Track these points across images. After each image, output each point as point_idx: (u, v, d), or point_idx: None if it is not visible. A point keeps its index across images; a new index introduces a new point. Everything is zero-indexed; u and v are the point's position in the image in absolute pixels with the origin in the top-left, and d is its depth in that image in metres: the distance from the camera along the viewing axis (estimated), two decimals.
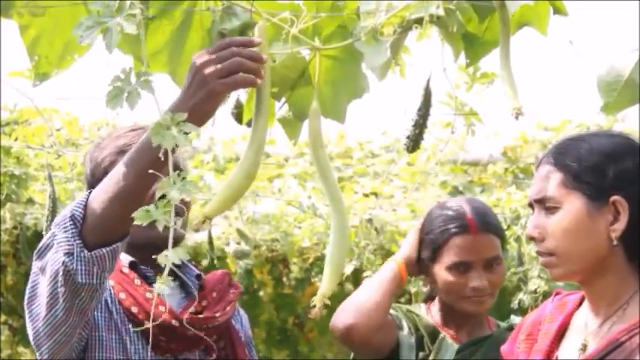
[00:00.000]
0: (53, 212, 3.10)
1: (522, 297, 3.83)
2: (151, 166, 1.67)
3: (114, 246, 1.94)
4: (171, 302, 2.32)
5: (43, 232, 3.15)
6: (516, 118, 1.72)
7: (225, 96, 1.82)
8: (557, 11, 1.88)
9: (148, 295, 2.27)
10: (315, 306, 1.79)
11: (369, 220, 4.55)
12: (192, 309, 2.31)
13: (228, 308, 2.38)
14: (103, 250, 1.93)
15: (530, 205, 1.96)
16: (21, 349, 5.72)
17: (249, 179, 1.78)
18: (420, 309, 2.72)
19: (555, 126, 5.15)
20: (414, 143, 2.33)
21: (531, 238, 1.93)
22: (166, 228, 1.88)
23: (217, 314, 2.34)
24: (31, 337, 2.15)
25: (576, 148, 1.91)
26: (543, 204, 1.91)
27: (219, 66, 1.74)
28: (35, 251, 2.06)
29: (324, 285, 1.80)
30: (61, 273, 1.96)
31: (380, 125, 5.59)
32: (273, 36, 1.81)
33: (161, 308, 2.26)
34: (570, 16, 1.89)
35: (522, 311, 3.68)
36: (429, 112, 2.38)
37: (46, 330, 2.08)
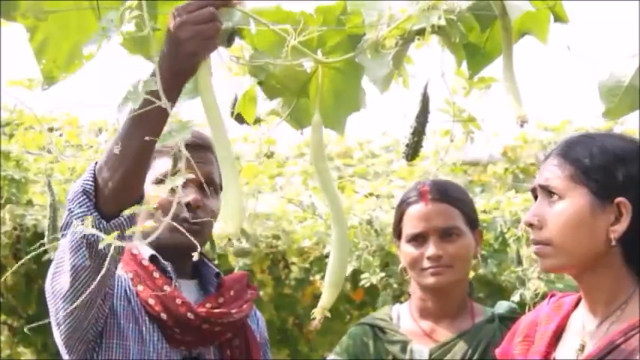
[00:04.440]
0: (54, 221, 3.10)
1: (524, 292, 3.84)
2: (150, 133, 1.68)
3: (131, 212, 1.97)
4: (189, 299, 2.35)
5: (45, 240, 3.16)
6: (521, 126, 1.71)
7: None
8: (558, 18, 1.88)
9: (166, 288, 2.30)
10: (314, 318, 1.79)
11: (369, 222, 4.54)
12: (208, 305, 2.34)
13: (245, 307, 2.40)
14: (121, 217, 1.96)
15: (533, 192, 1.95)
16: (21, 349, 5.72)
17: (239, 189, 1.76)
18: (400, 309, 2.70)
19: (555, 126, 5.15)
20: (413, 151, 2.34)
21: (529, 225, 1.92)
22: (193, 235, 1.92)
23: (233, 311, 2.37)
24: (52, 316, 2.19)
25: (589, 145, 1.91)
26: (548, 192, 1.90)
27: (199, 28, 1.72)
28: (60, 229, 2.10)
29: (324, 297, 1.80)
30: (84, 247, 1.99)
31: (380, 126, 5.59)
32: (275, 45, 1.81)
33: (177, 301, 2.29)
34: (571, 21, 1.89)
35: (522, 306, 3.68)
36: (427, 119, 2.38)
37: (67, 306, 2.11)
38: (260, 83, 1.90)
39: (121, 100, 1.60)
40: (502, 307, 2.65)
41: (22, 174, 4.12)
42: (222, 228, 1.64)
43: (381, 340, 2.61)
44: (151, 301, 2.31)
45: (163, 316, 2.30)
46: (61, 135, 4.21)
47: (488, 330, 2.57)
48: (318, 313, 1.79)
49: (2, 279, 4.96)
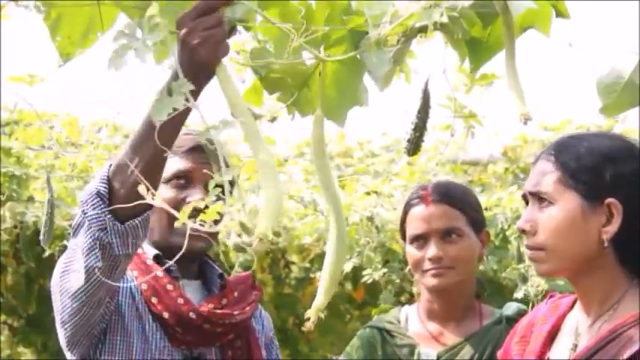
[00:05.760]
0: (51, 218, 3.10)
1: (528, 288, 3.83)
2: (166, 137, 1.68)
3: (145, 214, 1.99)
4: (192, 299, 2.37)
5: (41, 237, 3.16)
6: (525, 123, 1.71)
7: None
8: (560, 14, 1.88)
9: (169, 287, 2.31)
10: (309, 319, 1.78)
11: (370, 218, 4.54)
12: (211, 305, 2.35)
13: (248, 309, 2.41)
14: (136, 220, 1.98)
15: (524, 198, 1.95)
16: (21, 349, 5.72)
17: (280, 188, 1.73)
18: (409, 311, 2.71)
19: (555, 126, 5.16)
20: (414, 147, 2.34)
21: (522, 231, 1.93)
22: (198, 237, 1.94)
23: (235, 312, 2.38)
24: (58, 314, 2.21)
25: (576, 147, 1.91)
26: (537, 198, 1.90)
27: (208, 34, 1.71)
28: (71, 229, 2.12)
29: (319, 298, 1.78)
30: (97, 248, 2.00)
31: (380, 125, 5.59)
32: (280, 36, 1.80)
33: (180, 301, 2.30)
34: (572, 18, 1.89)
35: (527, 303, 3.69)
36: (428, 115, 2.39)
37: (75, 305, 2.14)
38: (260, 77, 1.90)
39: (152, 109, 1.59)
40: (510, 308, 2.65)
41: (23, 170, 4.13)
42: (258, 227, 1.64)
43: (389, 344, 2.62)
44: (154, 300, 2.32)
45: (165, 315, 2.31)
46: (61, 131, 4.22)
47: (496, 332, 2.58)
48: (312, 314, 1.78)
49: (2, 279, 4.97)
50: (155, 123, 1.63)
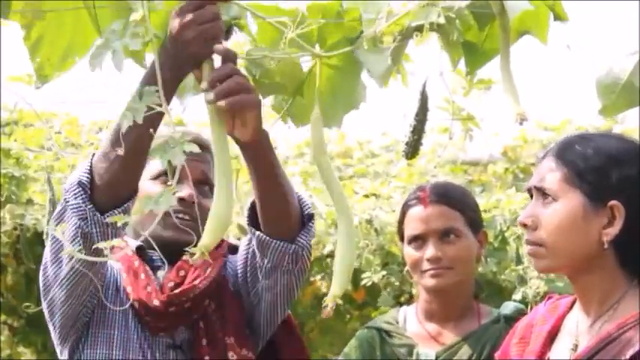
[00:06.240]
0: None
1: (526, 290, 3.83)
2: (146, 128, 1.68)
3: (124, 206, 2.01)
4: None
5: (44, 237, 3.17)
6: (520, 124, 1.72)
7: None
8: (558, 17, 1.88)
9: (142, 276, 2.31)
10: (327, 306, 1.79)
11: (369, 221, 4.54)
12: (170, 284, 2.33)
13: (210, 270, 2.36)
14: (115, 211, 1.99)
15: (529, 192, 1.95)
16: (21, 349, 5.72)
17: (231, 204, 1.75)
18: (407, 312, 2.71)
19: (555, 126, 5.17)
20: (412, 150, 2.35)
21: (523, 225, 1.92)
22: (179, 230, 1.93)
23: (197, 281, 2.34)
24: (46, 307, 2.24)
25: (584, 147, 1.90)
26: (542, 193, 1.90)
27: (204, 28, 1.71)
28: (53, 218, 2.13)
29: (335, 285, 1.79)
30: (79, 237, 2.03)
31: (380, 125, 5.60)
32: (275, 41, 1.80)
33: (148, 289, 2.30)
34: (570, 19, 1.89)
35: (524, 305, 3.69)
36: (426, 118, 2.39)
37: (62, 293, 2.16)
38: (255, 80, 1.90)
39: (122, 112, 1.59)
40: (508, 307, 2.65)
41: (22, 171, 4.14)
42: (202, 241, 1.66)
43: (388, 344, 2.62)
44: (129, 289, 2.33)
45: (136, 304, 2.31)
46: (60, 132, 4.23)
47: (494, 331, 2.58)
48: (329, 301, 1.79)
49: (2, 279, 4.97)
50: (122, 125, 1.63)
